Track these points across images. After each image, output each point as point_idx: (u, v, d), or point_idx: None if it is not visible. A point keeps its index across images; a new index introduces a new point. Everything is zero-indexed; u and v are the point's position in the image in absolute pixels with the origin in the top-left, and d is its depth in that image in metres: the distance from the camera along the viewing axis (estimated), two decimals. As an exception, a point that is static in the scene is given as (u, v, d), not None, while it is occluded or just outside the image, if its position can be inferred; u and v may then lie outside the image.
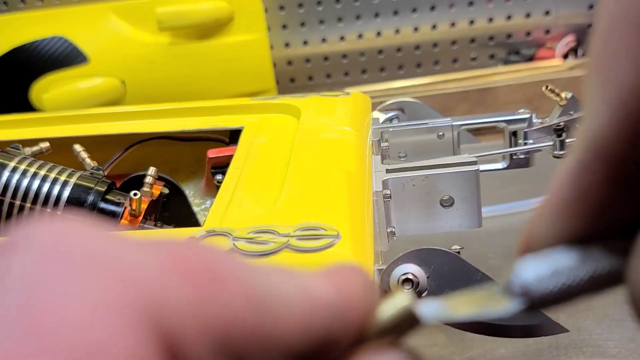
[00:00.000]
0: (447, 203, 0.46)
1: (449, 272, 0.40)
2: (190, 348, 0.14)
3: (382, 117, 0.60)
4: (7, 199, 0.47)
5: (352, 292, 0.17)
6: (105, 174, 0.50)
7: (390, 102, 0.61)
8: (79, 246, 0.14)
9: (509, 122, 0.54)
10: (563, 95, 0.54)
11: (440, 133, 0.55)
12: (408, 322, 0.16)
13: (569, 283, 0.15)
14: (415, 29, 0.93)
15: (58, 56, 0.79)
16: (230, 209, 0.42)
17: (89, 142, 0.54)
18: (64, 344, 0.12)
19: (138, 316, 0.13)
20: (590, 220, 0.16)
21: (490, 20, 0.93)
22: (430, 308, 0.16)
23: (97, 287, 0.13)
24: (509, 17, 0.93)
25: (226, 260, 0.15)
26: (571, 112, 0.53)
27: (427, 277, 0.40)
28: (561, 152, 0.50)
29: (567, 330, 0.40)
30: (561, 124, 0.50)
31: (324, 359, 0.16)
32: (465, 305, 0.16)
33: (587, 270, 0.16)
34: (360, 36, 0.93)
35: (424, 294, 0.40)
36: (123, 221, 0.47)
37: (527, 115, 0.54)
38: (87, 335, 0.12)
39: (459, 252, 0.41)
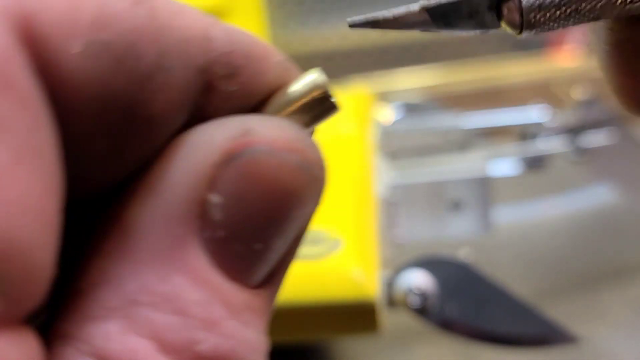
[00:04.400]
0: (455, 208, 0.46)
1: (456, 280, 0.39)
2: (59, 46, 0.12)
3: (387, 115, 0.59)
4: None
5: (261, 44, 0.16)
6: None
7: (397, 101, 0.60)
8: None
9: (522, 123, 0.53)
10: (578, 95, 0.53)
11: (450, 132, 0.54)
12: (316, 97, 0.16)
13: None
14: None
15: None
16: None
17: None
18: None
19: None
20: None
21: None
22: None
23: None
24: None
25: None
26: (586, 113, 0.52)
27: (435, 285, 0.39)
28: (576, 155, 0.48)
29: (578, 340, 0.39)
30: (576, 125, 0.49)
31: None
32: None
33: None
34: (363, 32, 0.92)
35: (429, 301, 0.39)
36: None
37: (541, 120, 0.52)
38: None
39: (467, 259, 0.40)
